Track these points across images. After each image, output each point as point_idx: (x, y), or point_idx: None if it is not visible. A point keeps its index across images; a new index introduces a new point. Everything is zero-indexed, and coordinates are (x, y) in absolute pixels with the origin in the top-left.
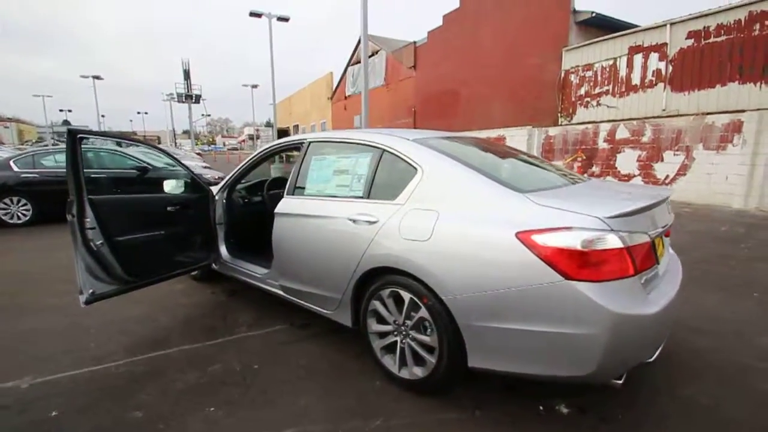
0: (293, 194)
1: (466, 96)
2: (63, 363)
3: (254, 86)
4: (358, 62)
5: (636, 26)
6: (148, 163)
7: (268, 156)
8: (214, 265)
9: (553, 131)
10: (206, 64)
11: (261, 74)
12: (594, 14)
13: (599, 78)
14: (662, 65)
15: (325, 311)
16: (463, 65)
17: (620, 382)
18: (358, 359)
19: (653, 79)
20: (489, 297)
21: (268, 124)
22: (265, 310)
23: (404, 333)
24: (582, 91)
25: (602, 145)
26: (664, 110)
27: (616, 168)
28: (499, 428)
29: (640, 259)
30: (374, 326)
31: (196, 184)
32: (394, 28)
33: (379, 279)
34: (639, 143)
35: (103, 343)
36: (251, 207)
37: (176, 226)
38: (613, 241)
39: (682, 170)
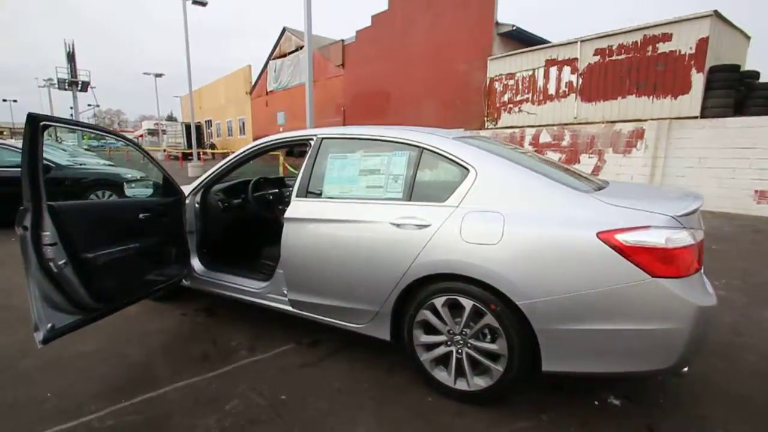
0: (306, 197)
1: (397, 97)
2: (20, 422)
3: (158, 75)
4: (281, 56)
5: (548, 42)
6: (49, 160)
7: (257, 154)
8: (185, 281)
9: (484, 134)
10: (91, 50)
11: (159, 65)
12: (514, 27)
13: (520, 86)
14: (573, 78)
15: (352, 326)
16: (394, 66)
17: (686, 369)
18: (393, 374)
19: (566, 89)
20: (571, 299)
21: (170, 118)
22: (259, 329)
23: (461, 342)
24: (505, 98)
25: (528, 147)
26: (575, 118)
27: None
28: (572, 429)
29: (700, 255)
30: (422, 338)
31: (168, 186)
32: (318, 25)
33: (430, 286)
34: (559, 147)
35: (64, 391)
36: (233, 212)
37: (150, 236)
38: (687, 238)
39: (596, 171)
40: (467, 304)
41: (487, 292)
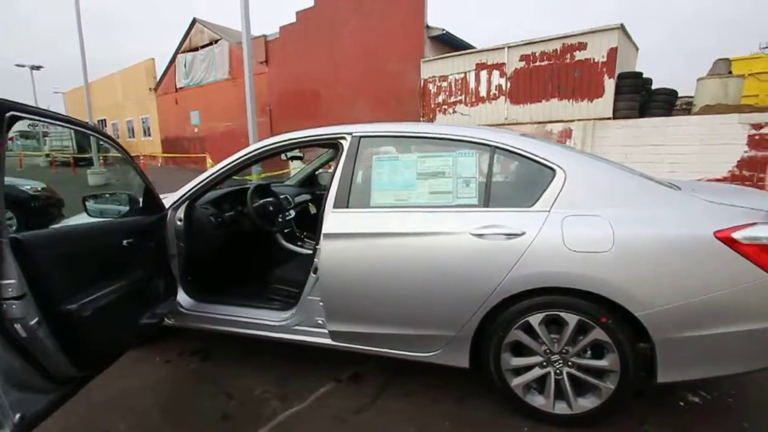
0: (347, 207)
1: (328, 97)
2: None
3: (36, 67)
4: (193, 50)
5: (475, 47)
6: None
7: (267, 156)
8: (168, 319)
9: None
10: None
11: (32, 56)
12: (444, 32)
13: (453, 89)
14: (502, 81)
15: (418, 354)
16: (324, 66)
17: None
18: (466, 405)
19: (496, 92)
20: (691, 305)
21: None
22: (278, 369)
23: (561, 362)
24: (440, 99)
25: None
26: (506, 119)
27: None
28: None
29: None
30: (513, 361)
31: (150, 201)
32: (232, 19)
33: (523, 303)
34: None
35: None
36: (226, 228)
37: (136, 267)
38: None
39: None
40: (571, 319)
41: (596, 304)
